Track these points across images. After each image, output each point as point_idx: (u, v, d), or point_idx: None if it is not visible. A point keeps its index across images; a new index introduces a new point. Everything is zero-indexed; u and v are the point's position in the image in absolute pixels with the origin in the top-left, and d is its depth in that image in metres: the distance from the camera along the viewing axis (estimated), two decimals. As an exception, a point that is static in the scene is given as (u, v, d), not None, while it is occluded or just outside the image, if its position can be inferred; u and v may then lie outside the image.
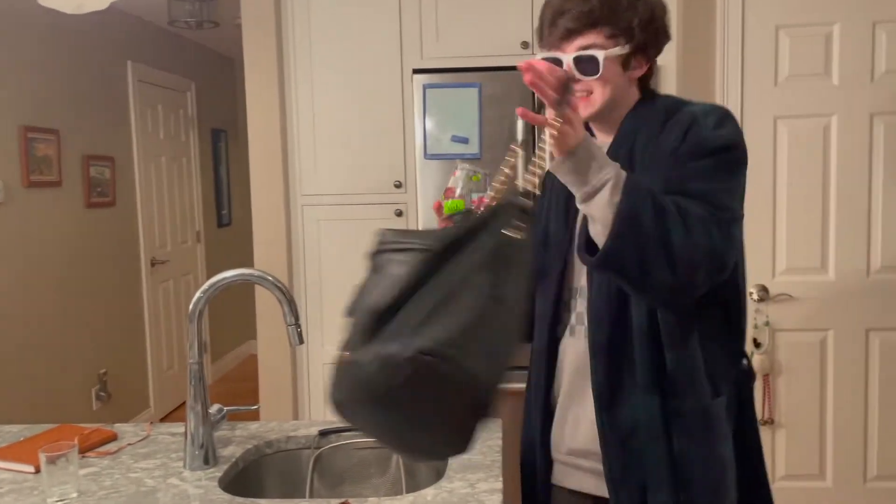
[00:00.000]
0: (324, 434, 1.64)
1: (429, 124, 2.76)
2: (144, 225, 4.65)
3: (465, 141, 2.76)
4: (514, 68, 2.73)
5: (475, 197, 1.30)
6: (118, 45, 4.42)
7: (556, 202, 1.40)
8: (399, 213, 2.89)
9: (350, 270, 2.92)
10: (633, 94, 1.34)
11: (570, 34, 1.26)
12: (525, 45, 2.78)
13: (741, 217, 1.22)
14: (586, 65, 1.25)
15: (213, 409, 1.52)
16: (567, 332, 1.38)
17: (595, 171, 1.10)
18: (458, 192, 1.30)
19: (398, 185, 2.88)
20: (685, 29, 2.73)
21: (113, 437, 1.62)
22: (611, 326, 1.27)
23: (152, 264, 4.73)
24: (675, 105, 1.30)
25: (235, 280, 1.47)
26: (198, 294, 1.45)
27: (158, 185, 4.89)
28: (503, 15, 2.79)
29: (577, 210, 1.27)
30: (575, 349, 1.36)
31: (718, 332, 1.28)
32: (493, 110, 2.74)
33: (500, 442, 1.54)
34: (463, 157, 2.76)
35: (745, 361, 1.33)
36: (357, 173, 2.90)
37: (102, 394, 4.17)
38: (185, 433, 1.46)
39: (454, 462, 1.43)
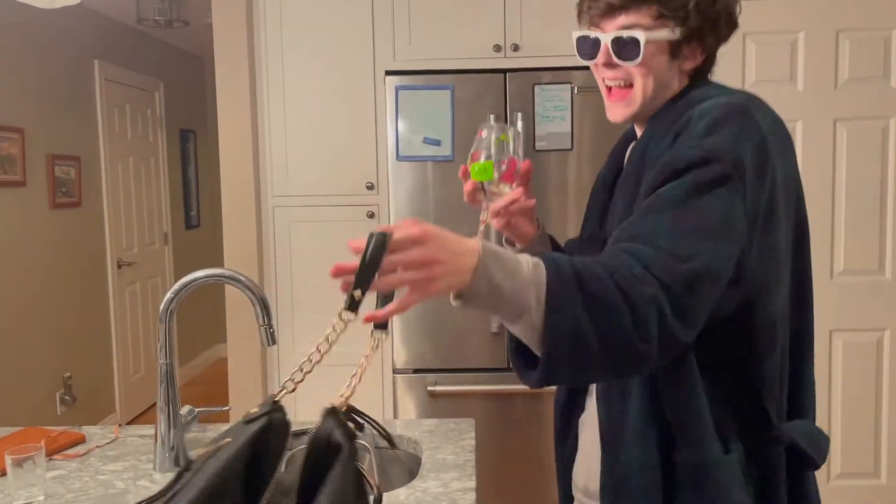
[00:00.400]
0: (296, 435, 1.63)
1: (401, 126, 2.77)
2: (111, 226, 4.58)
3: (437, 143, 2.76)
4: (487, 71, 2.77)
5: (504, 158, 1.17)
6: (85, 44, 4.36)
7: (599, 185, 1.24)
8: (371, 215, 2.89)
9: (322, 272, 2.91)
10: (675, 92, 1.12)
11: (612, 10, 1.08)
12: (497, 48, 2.80)
13: (726, 258, 0.94)
14: (625, 48, 1.07)
15: (184, 410, 1.50)
16: None
17: (507, 301, 0.86)
18: (483, 155, 1.17)
19: (370, 187, 2.88)
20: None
21: (81, 440, 1.59)
22: None
23: (119, 266, 4.66)
24: (693, 101, 1.07)
25: (207, 280, 1.45)
26: (168, 294, 1.43)
27: (125, 186, 4.81)
28: (476, 18, 2.80)
29: (607, 213, 1.16)
30: None
31: (727, 382, 1.03)
32: (466, 113, 2.75)
33: (473, 442, 1.54)
34: (435, 160, 2.77)
35: (771, 427, 1.04)
36: (329, 174, 2.89)
37: (67, 398, 4.09)
38: (156, 435, 1.44)
39: (427, 462, 1.44)
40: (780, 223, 1.01)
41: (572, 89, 2.72)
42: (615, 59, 1.07)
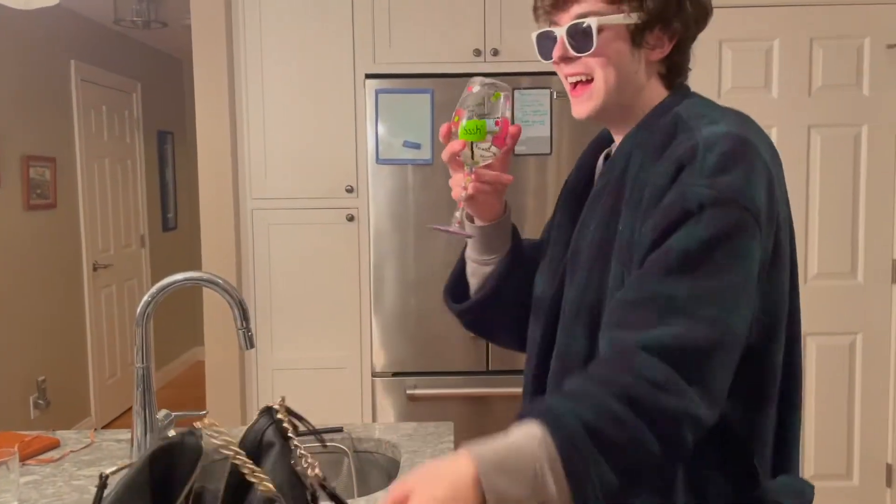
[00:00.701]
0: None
1: (381, 129, 2.77)
2: (86, 228, 4.53)
3: (417, 147, 2.77)
4: (466, 75, 2.76)
5: (497, 118, 1.05)
6: (61, 44, 4.31)
7: (566, 195, 1.16)
8: (350, 218, 2.88)
9: (300, 275, 2.90)
10: (656, 89, 1.02)
11: (566, 1, 0.99)
12: (477, 52, 2.81)
13: (748, 318, 0.86)
14: (580, 38, 0.98)
15: (161, 414, 1.49)
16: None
17: (526, 501, 0.74)
18: (473, 113, 1.05)
19: (350, 190, 2.88)
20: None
21: (55, 445, 1.57)
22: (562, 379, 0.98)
23: (94, 269, 4.61)
24: (688, 120, 0.96)
25: (185, 283, 1.44)
26: (146, 297, 1.42)
27: (102, 188, 4.76)
28: (456, 22, 2.81)
29: (578, 220, 1.06)
30: None
31: (715, 439, 0.89)
32: (446, 116, 2.74)
33: (451, 445, 1.55)
34: (415, 163, 2.77)
35: (757, 485, 0.93)
36: (308, 177, 2.89)
37: (41, 402, 4.04)
38: (132, 439, 1.43)
39: (406, 465, 1.44)
40: (785, 263, 0.94)
41: (551, 94, 2.74)
42: (571, 52, 0.99)
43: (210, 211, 2.90)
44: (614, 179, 0.99)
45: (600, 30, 0.97)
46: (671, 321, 0.82)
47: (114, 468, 0.88)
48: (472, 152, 1.06)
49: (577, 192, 1.12)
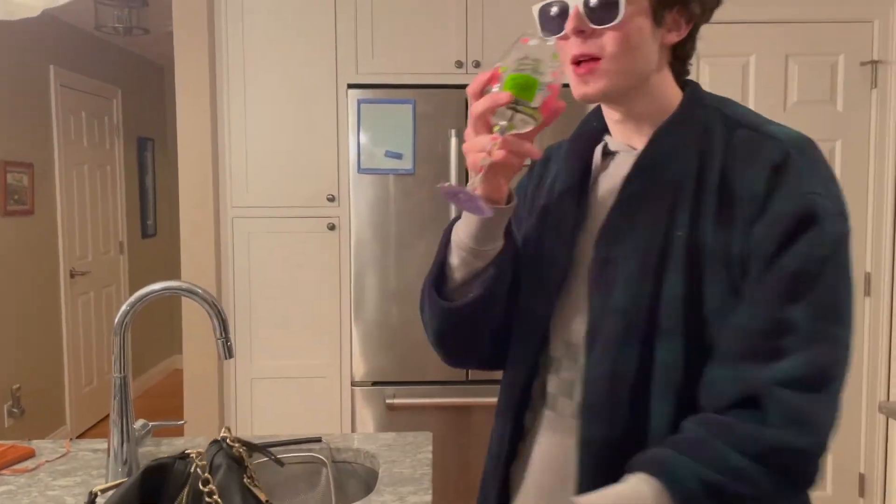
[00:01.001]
0: (250, 448, 1.62)
1: (363, 139, 2.78)
2: (64, 235, 4.49)
3: (398, 156, 2.78)
4: (448, 86, 2.79)
5: (551, 81, 0.86)
6: (41, 49, 4.27)
7: (556, 184, 1.02)
8: (332, 227, 2.88)
9: (281, 284, 2.90)
10: (666, 77, 0.94)
11: None
12: (459, 64, 2.83)
13: (852, 329, 0.85)
14: (602, 8, 0.86)
15: (138, 424, 1.48)
16: (545, 403, 1.00)
17: None
18: (526, 68, 0.86)
19: (331, 199, 2.88)
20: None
21: (30, 454, 1.56)
22: (617, 421, 0.88)
23: (72, 276, 4.56)
24: (743, 118, 0.91)
25: (164, 293, 1.44)
26: (124, 307, 1.42)
27: (80, 194, 4.72)
28: (439, 34, 2.83)
29: (578, 226, 0.96)
30: (552, 436, 0.98)
31: None
32: (428, 127, 2.78)
33: (430, 455, 1.55)
34: (396, 173, 2.78)
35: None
36: (290, 186, 2.89)
37: (15, 410, 3.98)
38: (108, 449, 1.42)
39: (384, 476, 1.44)
40: None
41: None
42: (589, 24, 0.87)
43: (190, 218, 2.88)
44: (663, 180, 0.90)
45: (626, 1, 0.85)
46: (798, 349, 0.80)
47: (103, 485, 0.91)
48: (513, 112, 0.86)
49: (573, 187, 0.99)
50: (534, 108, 0.86)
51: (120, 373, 1.43)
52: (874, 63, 2.80)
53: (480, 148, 0.86)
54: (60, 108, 4.44)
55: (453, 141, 2.76)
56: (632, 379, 0.87)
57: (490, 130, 0.87)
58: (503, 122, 0.86)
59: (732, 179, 0.86)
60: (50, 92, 4.38)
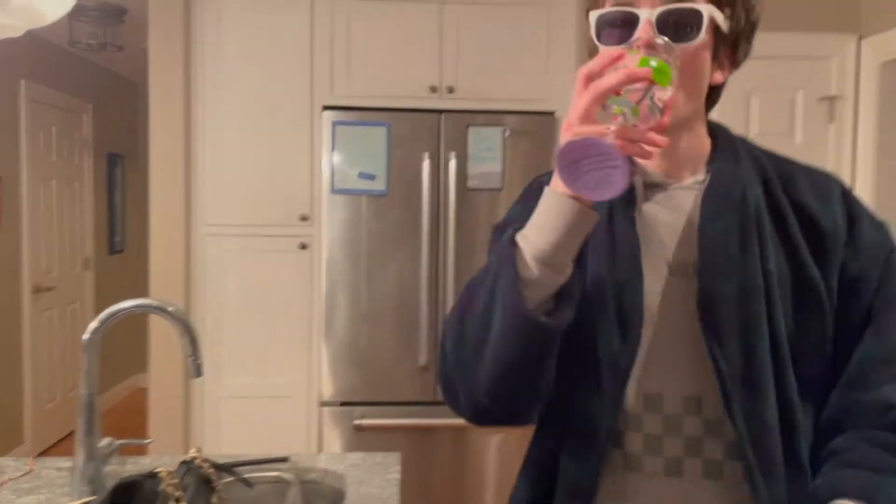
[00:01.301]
0: (219, 468, 1.62)
1: (337, 159, 2.80)
2: (30, 249, 4.42)
3: (372, 178, 2.81)
4: (422, 111, 2.84)
5: (674, 77, 0.74)
6: (12, 63, 4.24)
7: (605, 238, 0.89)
8: (304, 247, 2.89)
9: (251, 303, 2.90)
10: (704, 119, 0.92)
11: None
12: (433, 89, 2.87)
13: None
14: (680, 25, 0.80)
15: (104, 442, 1.47)
16: (623, 464, 0.89)
17: None
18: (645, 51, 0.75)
19: (304, 219, 2.89)
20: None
21: (-8, 472, 1.54)
22: (783, 474, 0.84)
23: (37, 291, 4.49)
24: (774, 152, 0.94)
25: (135, 310, 1.44)
26: (94, 323, 1.42)
27: (48, 209, 4.66)
28: (414, 59, 2.88)
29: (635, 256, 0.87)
30: (645, 497, 0.88)
31: None
32: (401, 150, 2.81)
33: (398, 476, 1.56)
34: (370, 194, 2.81)
35: None
36: (263, 205, 2.90)
37: (-27, 428, 3.89)
38: (73, 467, 1.41)
39: (352, 496, 1.45)
40: None
41: (503, 132, 2.82)
42: (659, 39, 0.78)
43: (161, 236, 2.88)
44: (741, 212, 0.86)
45: (709, 22, 0.81)
46: None
47: (75, 503, 0.92)
48: (642, 97, 0.72)
49: (631, 224, 0.89)
50: (662, 102, 0.73)
51: (87, 390, 1.42)
52: (832, 98, 2.91)
53: (594, 131, 0.72)
54: (30, 123, 4.40)
55: (426, 164, 2.80)
56: (779, 426, 0.85)
57: (593, 119, 0.73)
58: (629, 108, 0.71)
59: (812, 212, 0.88)
60: (19, 106, 4.33)
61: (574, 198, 0.75)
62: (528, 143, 2.84)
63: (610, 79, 0.71)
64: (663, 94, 0.73)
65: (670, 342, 0.87)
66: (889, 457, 0.80)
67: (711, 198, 0.87)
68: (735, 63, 0.90)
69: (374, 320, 2.83)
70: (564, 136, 0.73)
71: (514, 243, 0.79)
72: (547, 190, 0.78)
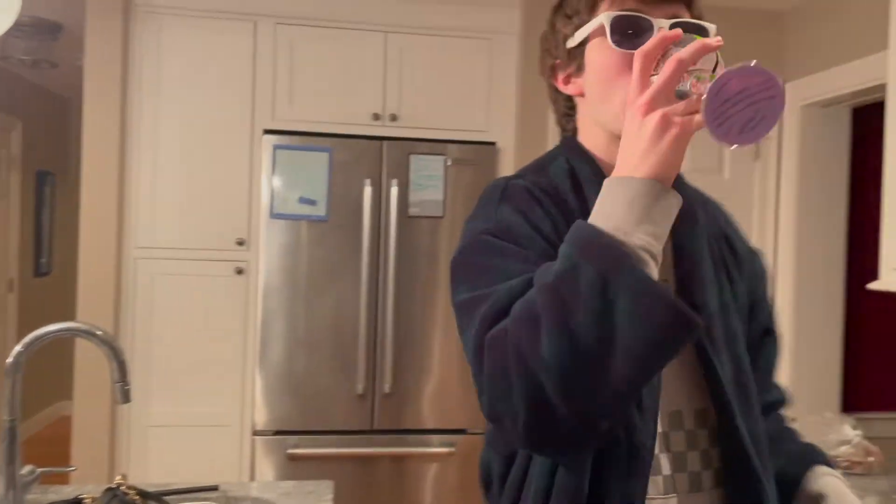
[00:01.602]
0: (145, 496, 1.57)
1: (277, 184, 2.78)
2: (-52, 269, 4.22)
3: (312, 203, 2.80)
4: (364, 137, 2.85)
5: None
6: (-64, 74, 4.08)
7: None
8: (240, 272, 2.85)
9: (184, 328, 2.83)
10: None
11: None
12: (376, 116, 2.89)
13: None
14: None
15: (25, 470, 1.41)
16: (662, 485, 0.85)
17: None
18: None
19: (241, 243, 2.85)
20: (523, 109, 2.95)
21: None
22: (761, 480, 0.87)
23: (-47, 313, 4.28)
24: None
25: (62, 333, 1.40)
26: (18, 347, 1.36)
27: (-31, 227, 4.47)
28: (357, 86, 2.90)
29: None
30: None
31: None
32: (343, 175, 2.81)
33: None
34: (310, 219, 2.79)
35: None
36: (199, 228, 2.84)
37: None
38: (-10, 497, 1.34)
39: (285, 524, 1.42)
40: None
41: (445, 161, 2.85)
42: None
43: (90, 257, 2.79)
44: (703, 232, 0.92)
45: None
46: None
47: None
48: (718, 65, 0.71)
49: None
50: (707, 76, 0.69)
51: (10, 416, 1.37)
52: (758, 138, 3.05)
53: (675, 111, 0.69)
54: (-46, 137, 4.23)
55: (368, 190, 2.81)
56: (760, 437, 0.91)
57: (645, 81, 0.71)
58: (705, 76, 0.69)
59: (731, 237, 0.98)
60: (-57, 119, 4.17)
61: (659, 180, 0.70)
62: (469, 172, 2.88)
63: (688, 49, 0.68)
64: (720, 70, 0.69)
65: (678, 357, 0.80)
66: (796, 435, 1.04)
67: (681, 217, 0.82)
68: None
69: (311, 348, 2.80)
70: (638, 113, 0.69)
71: (590, 234, 0.71)
72: (630, 182, 0.70)
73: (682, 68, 0.68)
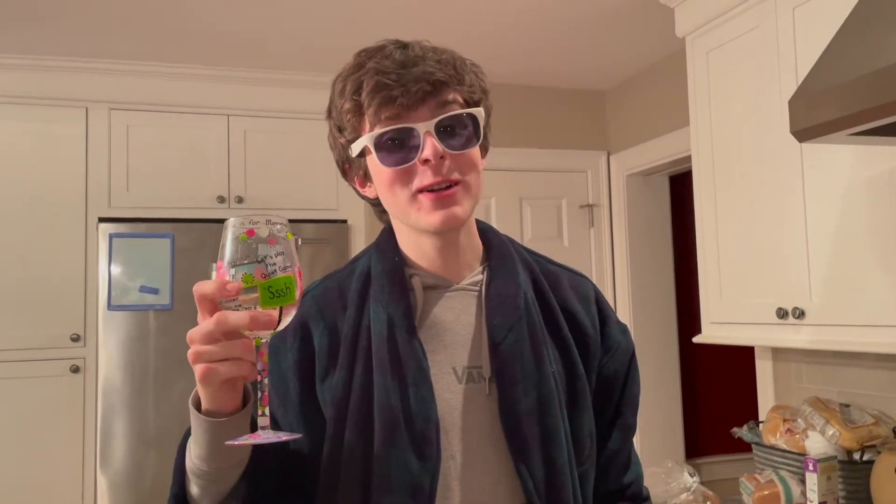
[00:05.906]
0: None
1: (115, 273, 2.64)
2: None
3: (155, 291, 2.67)
4: (210, 221, 2.78)
5: (295, 266, 0.77)
6: None
7: (380, 327, 0.87)
8: (76, 370, 2.64)
9: (16, 433, 2.56)
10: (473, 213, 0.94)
11: (435, 88, 0.83)
12: (221, 199, 2.84)
13: None
14: (459, 131, 0.84)
15: None
16: None
17: None
18: (275, 265, 0.76)
19: (76, 339, 2.65)
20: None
21: None
22: None
23: None
24: (534, 252, 0.98)
25: None
26: None
27: None
28: (200, 169, 2.84)
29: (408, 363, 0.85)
30: None
31: None
32: (187, 261, 2.71)
33: None
34: (153, 308, 2.66)
35: None
36: (28, 326, 2.62)
37: None
38: None
39: None
40: None
41: (296, 240, 2.83)
42: (447, 150, 0.82)
43: None
44: (520, 313, 0.88)
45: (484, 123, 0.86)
46: (635, 454, 1.02)
47: None
48: (280, 319, 0.75)
49: (412, 334, 0.86)
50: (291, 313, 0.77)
51: None
52: (590, 206, 3.28)
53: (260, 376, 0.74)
54: None
55: (214, 275, 2.71)
56: None
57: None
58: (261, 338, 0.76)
59: (576, 312, 0.93)
60: None
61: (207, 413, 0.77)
62: (323, 250, 2.87)
63: (237, 319, 0.74)
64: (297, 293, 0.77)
65: (480, 454, 0.84)
66: None
67: (496, 305, 0.88)
68: (486, 151, 0.93)
69: (161, 444, 2.61)
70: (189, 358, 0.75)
71: (183, 448, 0.85)
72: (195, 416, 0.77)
73: (224, 329, 0.75)
